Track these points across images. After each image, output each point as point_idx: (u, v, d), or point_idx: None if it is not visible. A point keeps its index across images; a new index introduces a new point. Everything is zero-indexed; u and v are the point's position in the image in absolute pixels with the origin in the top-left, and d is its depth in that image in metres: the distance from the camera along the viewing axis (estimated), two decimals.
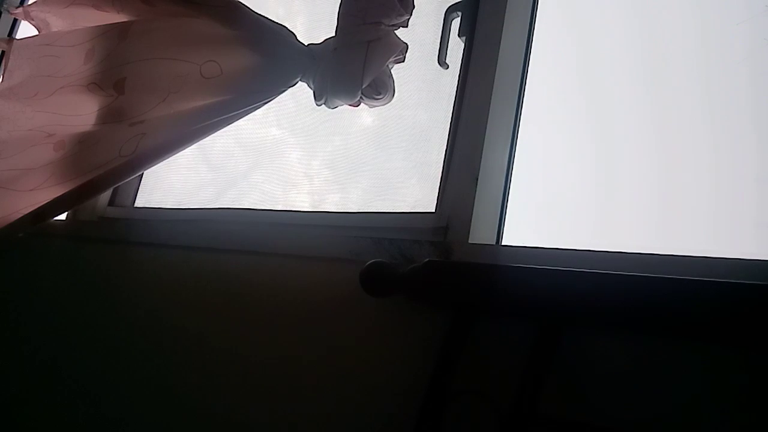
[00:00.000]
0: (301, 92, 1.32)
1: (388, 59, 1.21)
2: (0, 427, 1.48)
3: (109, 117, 1.39)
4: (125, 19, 1.44)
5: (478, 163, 1.07)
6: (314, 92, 1.26)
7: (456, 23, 1.20)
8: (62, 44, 1.48)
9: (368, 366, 1.02)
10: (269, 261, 1.20)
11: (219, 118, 1.28)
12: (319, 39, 1.29)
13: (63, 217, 1.57)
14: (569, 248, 0.92)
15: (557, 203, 1.15)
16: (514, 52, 1.15)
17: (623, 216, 1.07)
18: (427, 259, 0.96)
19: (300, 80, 1.28)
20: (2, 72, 1.56)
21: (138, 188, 1.63)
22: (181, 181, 1.58)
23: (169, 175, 1.59)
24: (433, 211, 1.13)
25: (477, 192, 1.06)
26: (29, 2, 1.65)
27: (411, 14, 1.22)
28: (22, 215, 1.38)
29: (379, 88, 1.22)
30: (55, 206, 1.37)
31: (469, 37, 1.18)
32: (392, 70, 1.25)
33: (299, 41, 1.29)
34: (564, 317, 0.83)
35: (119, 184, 1.42)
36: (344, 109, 1.29)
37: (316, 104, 1.27)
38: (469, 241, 1.04)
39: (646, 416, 0.78)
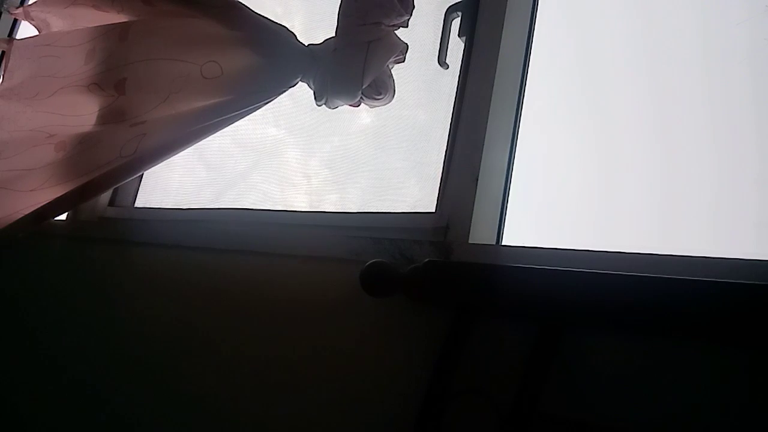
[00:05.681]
0: (299, 92, 1.32)
1: (389, 59, 1.21)
2: (3, 425, 1.48)
3: (110, 117, 1.39)
4: (126, 20, 1.44)
5: (478, 163, 1.07)
6: (315, 93, 1.26)
7: (456, 23, 1.20)
8: (63, 44, 1.48)
9: (368, 366, 1.02)
10: (269, 261, 1.20)
11: (220, 119, 1.28)
12: (317, 38, 1.29)
13: (63, 217, 1.57)
14: (569, 248, 0.92)
15: (557, 203, 1.15)
16: (514, 52, 1.15)
17: (623, 216, 1.07)
18: (427, 259, 0.96)
19: (300, 80, 1.28)
20: (3, 72, 1.56)
21: (138, 188, 1.63)
22: (181, 181, 1.58)
23: (169, 175, 1.59)
24: (433, 211, 1.13)
25: (477, 192, 1.06)
26: (29, 2, 1.65)
27: (411, 15, 1.22)
28: (22, 215, 1.38)
29: (379, 89, 1.23)
30: (56, 206, 1.37)
31: (469, 37, 1.18)
32: (392, 70, 1.25)
33: (299, 41, 1.29)
34: (564, 317, 0.83)
35: (120, 184, 1.43)
36: (343, 109, 1.29)
37: (317, 104, 1.27)
38: (469, 241, 1.04)
39: (646, 416, 0.78)
